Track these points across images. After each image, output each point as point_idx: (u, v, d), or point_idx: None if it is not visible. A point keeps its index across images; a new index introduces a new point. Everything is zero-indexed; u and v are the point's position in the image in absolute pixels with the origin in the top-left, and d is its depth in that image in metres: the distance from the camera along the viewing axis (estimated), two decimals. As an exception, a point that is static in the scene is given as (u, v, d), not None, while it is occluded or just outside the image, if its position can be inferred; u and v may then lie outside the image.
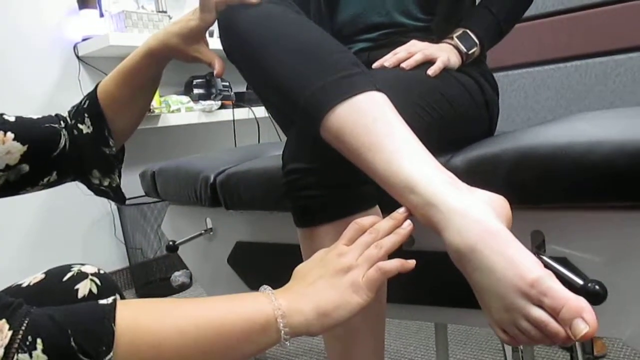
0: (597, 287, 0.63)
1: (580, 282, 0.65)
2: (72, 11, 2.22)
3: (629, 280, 0.68)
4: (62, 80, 2.19)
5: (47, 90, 2.15)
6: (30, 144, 0.75)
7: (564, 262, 0.70)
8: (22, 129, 0.75)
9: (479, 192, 0.59)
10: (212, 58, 0.83)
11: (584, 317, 0.48)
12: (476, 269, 0.53)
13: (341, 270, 0.56)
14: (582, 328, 0.47)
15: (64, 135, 0.79)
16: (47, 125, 0.78)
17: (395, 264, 0.56)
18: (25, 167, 0.75)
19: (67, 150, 0.79)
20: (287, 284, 0.59)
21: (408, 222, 0.59)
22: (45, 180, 0.79)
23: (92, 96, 0.83)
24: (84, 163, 0.82)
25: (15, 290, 0.67)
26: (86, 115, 0.81)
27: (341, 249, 0.58)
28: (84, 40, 2.20)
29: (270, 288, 0.56)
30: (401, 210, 0.60)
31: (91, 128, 0.81)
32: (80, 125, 0.81)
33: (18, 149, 0.74)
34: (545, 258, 0.70)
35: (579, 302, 0.48)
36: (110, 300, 0.49)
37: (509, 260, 0.51)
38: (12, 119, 0.75)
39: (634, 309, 0.68)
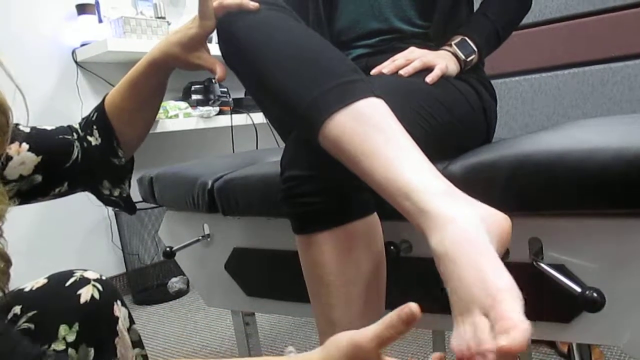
0: (595, 294, 0.63)
1: (579, 289, 0.65)
2: (70, 17, 2.22)
3: (627, 287, 0.68)
4: (60, 85, 2.19)
5: (45, 95, 2.15)
6: (44, 155, 0.76)
7: (562, 269, 0.70)
8: (37, 140, 0.76)
9: (478, 205, 0.58)
10: (214, 64, 0.83)
11: (512, 333, 0.45)
12: (449, 277, 0.53)
13: None
14: (503, 340, 0.45)
15: (76, 146, 0.80)
16: (61, 136, 0.79)
17: None
18: (38, 178, 0.76)
19: (79, 161, 0.80)
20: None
21: None
22: (57, 190, 0.79)
23: (99, 108, 0.84)
24: (95, 174, 0.83)
25: (17, 295, 0.67)
26: (94, 127, 0.83)
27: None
28: (82, 45, 2.20)
29: (295, 352, 0.53)
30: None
31: (100, 140, 0.82)
32: (89, 137, 0.82)
33: (32, 159, 0.75)
34: (543, 265, 0.70)
35: (517, 322, 0.46)
36: None
37: (479, 274, 0.50)
38: (27, 129, 0.76)
39: (632, 316, 0.68)
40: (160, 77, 0.84)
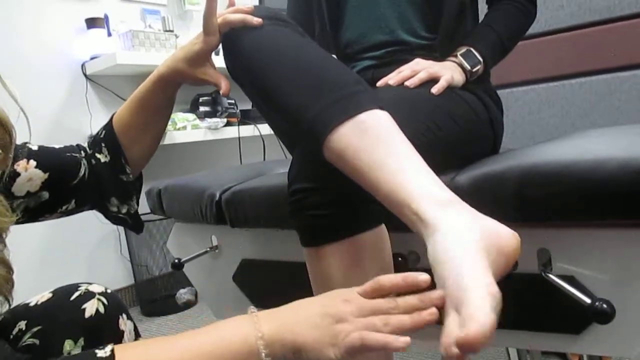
0: (605, 306, 0.63)
1: (588, 300, 0.64)
2: (80, 30, 2.25)
3: (637, 298, 0.67)
4: (69, 98, 2.21)
5: (55, 109, 2.17)
6: (51, 172, 0.77)
7: (571, 280, 0.70)
8: (44, 156, 0.77)
9: (480, 217, 0.57)
10: (219, 78, 0.84)
11: (468, 325, 0.47)
12: (438, 282, 0.53)
13: (334, 316, 0.54)
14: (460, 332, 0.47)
15: (83, 164, 0.81)
16: (68, 154, 0.81)
17: (379, 339, 0.51)
18: (45, 195, 0.77)
19: (87, 179, 0.81)
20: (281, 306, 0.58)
21: (432, 311, 0.53)
22: (64, 207, 0.81)
23: (108, 126, 0.86)
24: (102, 191, 0.84)
25: (22, 309, 0.67)
26: (103, 144, 0.84)
27: (351, 296, 0.55)
28: (91, 59, 2.23)
29: (255, 310, 0.57)
30: (436, 294, 0.53)
31: (108, 157, 0.84)
32: (98, 155, 0.84)
33: (39, 176, 0.76)
34: (552, 276, 0.70)
35: (476, 316, 0.47)
36: (108, 352, 0.49)
37: (457, 277, 0.51)
38: (35, 148, 0.78)
39: (642, 327, 0.67)
40: (167, 92, 0.85)
